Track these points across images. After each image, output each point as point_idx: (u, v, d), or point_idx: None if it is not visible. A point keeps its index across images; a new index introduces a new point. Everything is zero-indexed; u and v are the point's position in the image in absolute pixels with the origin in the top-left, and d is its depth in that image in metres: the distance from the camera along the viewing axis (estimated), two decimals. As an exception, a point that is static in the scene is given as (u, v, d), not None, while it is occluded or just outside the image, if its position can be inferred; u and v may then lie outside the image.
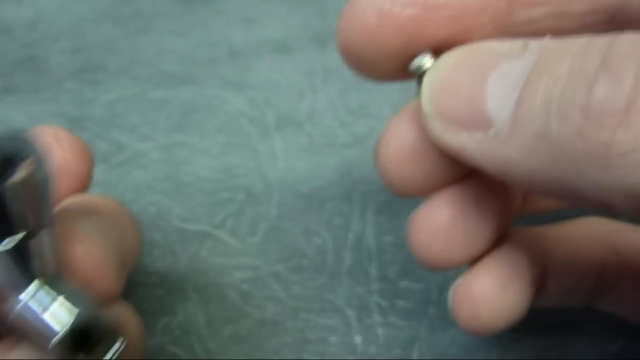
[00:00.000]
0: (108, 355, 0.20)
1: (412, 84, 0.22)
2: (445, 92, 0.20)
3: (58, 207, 0.22)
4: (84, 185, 0.24)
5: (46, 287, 0.19)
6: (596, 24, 0.20)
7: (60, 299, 0.19)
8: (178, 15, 0.52)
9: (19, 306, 0.19)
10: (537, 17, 0.20)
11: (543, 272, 0.25)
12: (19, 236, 0.19)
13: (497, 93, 0.18)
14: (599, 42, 0.16)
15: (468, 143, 0.19)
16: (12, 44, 0.49)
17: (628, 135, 0.15)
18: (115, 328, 0.20)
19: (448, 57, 0.20)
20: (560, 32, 0.20)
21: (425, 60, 0.21)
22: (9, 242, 0.19)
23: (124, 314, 0.23)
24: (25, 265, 0.19)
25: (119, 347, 0.20)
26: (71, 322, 0.19)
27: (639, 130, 0.15)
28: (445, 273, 0.31)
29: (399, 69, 0.22)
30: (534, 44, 0.18)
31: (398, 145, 0.23)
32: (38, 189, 0.19)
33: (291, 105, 0.42)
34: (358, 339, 0.31)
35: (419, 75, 0.22)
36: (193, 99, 0.42)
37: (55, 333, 0.19)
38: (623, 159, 0.15)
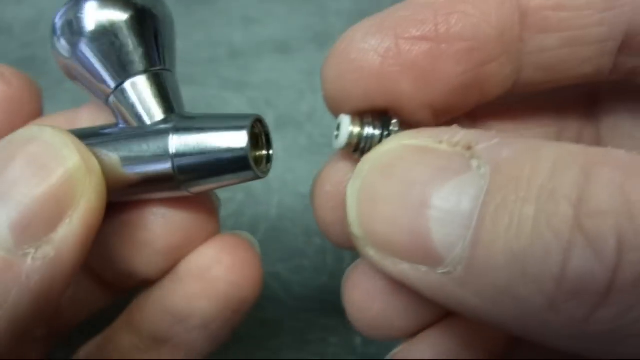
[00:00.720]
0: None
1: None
2: (378, 220, 0.16)
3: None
4: (37, 114, 0.25)
5: None
6: (611, 51, 0.19)
7: None
8: (178, 15, 0.52)
9: None
10: (551, 45, 0.18)
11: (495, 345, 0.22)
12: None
13: (444, 226, 0.15)
14: (570, 176, 0.14)
15: (411, 275, 0.16)
16: (12, 44, 0.49)
17: (609, 313, 0.13)
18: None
19: (374, 164, 0.17)
20: (573, 63, 0.19)
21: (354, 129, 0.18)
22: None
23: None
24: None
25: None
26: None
27: (620, 309, 0.13)
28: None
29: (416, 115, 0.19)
30: (482, 151, 0.15)
31: (330, 191, 0.20)
32: (159, 36, 0.21)
33: (291, 105, 0.42)
34: (358, 339, 0.31)
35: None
36: (193, 99, 0.42)
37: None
38: (600, 336, 0.14)
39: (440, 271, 0.15)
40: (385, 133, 0.18)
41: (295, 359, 0.31)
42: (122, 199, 0.21)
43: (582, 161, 0.14)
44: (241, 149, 0.19)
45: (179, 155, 0.19)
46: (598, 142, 0.22)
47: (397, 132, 0.18)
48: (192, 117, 0.20)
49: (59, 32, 0.20)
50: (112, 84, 0.20)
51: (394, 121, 0.18)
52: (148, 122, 0.20)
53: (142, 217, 0.22)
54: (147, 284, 0.23)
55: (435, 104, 0.18)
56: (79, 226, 0.18)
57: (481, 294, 0.15)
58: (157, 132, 0.20)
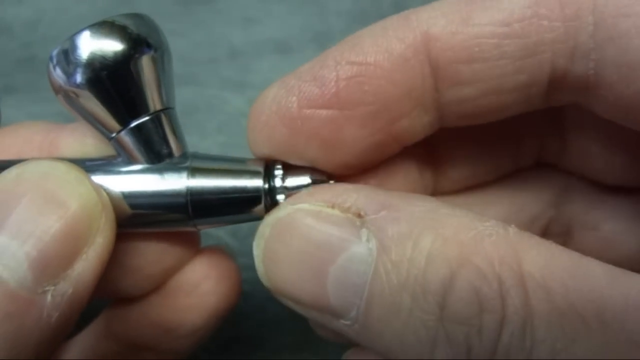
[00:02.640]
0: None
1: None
2: (282, 281, 0.18)
3: None
4: None
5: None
6: (538, 94, 0.18)
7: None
8: (178, 15, 0.52)
9: None
10: (469, 95, 0.18)
11: None
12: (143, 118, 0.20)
13: (340, 294, 0.17)
14: (439, 275, 0.16)
15: (319, 318, 0.18)
16: (12, 44, 0.49)
17: None
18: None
19: (273, 229, 0.18)
20: (497, 109, 0.19)
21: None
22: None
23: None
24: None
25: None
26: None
27: None
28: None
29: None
30: (370, 223, 0.17)
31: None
32: (160, 72, 0.20)
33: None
34: (358, 339, 0.31)
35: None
36: (193, 99, 0.42)
37: None
38: None
39: (342, 322, 0.17)
40: (273, 185, 0.20)
41: (295, 359, 0.31)
42: (124, 230, 0.21)
43: (452, 258, 0.15)
44: (257, 191, 0.20)
45: (195, 194, 0.20)
46: (564, 149, 0.23)
47: (280, 186, 0.20)
48: (206, 157, 0.21)
49: (55, 61, 0.19)
50: (116, 127, 0.20)
51: (277, 172, 0.20)
52: (157, 161, 0.20)
53: (132, 244, 0.22)
54: (127, 300, 0.24)
55: (348, 163, 0.19)
56: (94, 262, 0.18)
57: (374, 348, 0.17)
58: (173, 171, 0.20)
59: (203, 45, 0.47)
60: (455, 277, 0.15)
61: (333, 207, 0.17)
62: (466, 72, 0.18)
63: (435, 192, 0.24)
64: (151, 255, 0.22)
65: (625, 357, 0.14)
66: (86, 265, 0.18)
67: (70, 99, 0.19)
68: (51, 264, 0.17)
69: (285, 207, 0.18)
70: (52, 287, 0.17)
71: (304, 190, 0.19)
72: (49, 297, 0.17)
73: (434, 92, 0.18)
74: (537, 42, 0.17)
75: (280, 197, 0.20)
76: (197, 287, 0.23)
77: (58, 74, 0.19)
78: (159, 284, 0.23)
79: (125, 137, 0.20)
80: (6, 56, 0.47)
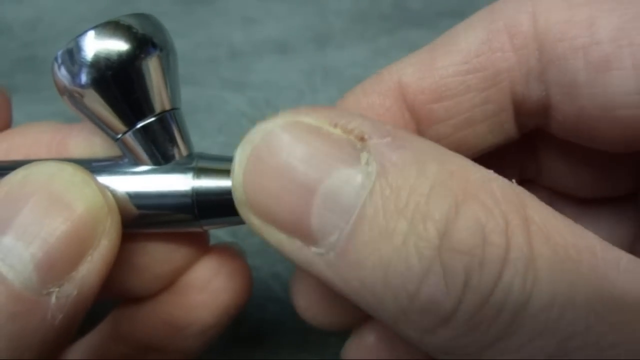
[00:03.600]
0: None
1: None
2: (261, 192, 0.16)
3: None
4: (5, 125, 0.25)
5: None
6: (507, 119, 0.20)
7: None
8: (178, 15, 0.52)
9: None
10: (447, 132, 0.20)
11: None
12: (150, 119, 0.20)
13: (324, 214, 0.15)
14: (443, 205, 0.15)
15: (287, 246, 0.17)
16: (12, 44, 0.49)
17: (446, 334, 0.15)
18: None
19: (267, 136, 0.16)
20: (475, 139, 0.20)
21: None
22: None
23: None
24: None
25: None
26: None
27: (455, 334, 0.15)
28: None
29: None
30: (373, 147, 0.16)
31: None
32: (165, 72, 0.20)
33: (291, 105, 0.42)
34: (358, 339, 0.31)
35: None
36: (193, 98, 0.42)
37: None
38: (436, 348, 0.15)
39: (313, 250, 0.16)
40: None
41: (295, 359, 0.31)
42: (129, 231, 0.21)
43: (458, 190, 0.15)
44: None
45: (200, 195, 0.20)
46: (539, 169, 0.24)
47: None
48: (211, 158, 0.21)
49: (59, 61, 0.19)
50: (122, 128, 0.20)
51: None
52: (163, 162, 0.20)
53: (140, 243, 0.22)
54: (136, 300, 0.24)
55: None
56: (99, 264, 0.18)
57: (346, 282, 0.16)
58: (178, 171, 0.20)
59: (203, 45, 0.47)
60: (460, 208, 0.15)
61: (335, 126, 0.16)
62: (439, 110, 0.20)
63: None
64: (160, 254, 0.22)
65: (616, 314, 0.14)
66: (91, 267, 0.18)
67: (75, 99, 0.19)
68: (56, 266, 0.17)
69: (285, 116, 0.17)
70: (57, 289, 0.17)
71: (305, 105, 0.18)
72: (53, 298, 0.17)
73: (417, 134, 0.20)
74: (495, 72, 0.19)
75: None
76: (209, 284, 0.23)
77: (63, 75, 0.19)
78: (168, 283, 0.23)
79: (131, 138, 0.20)
80: (6, 56, 0.47)
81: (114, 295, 0.23)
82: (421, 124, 0.20)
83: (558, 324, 0.14)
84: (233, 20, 0.50)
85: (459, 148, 0.20)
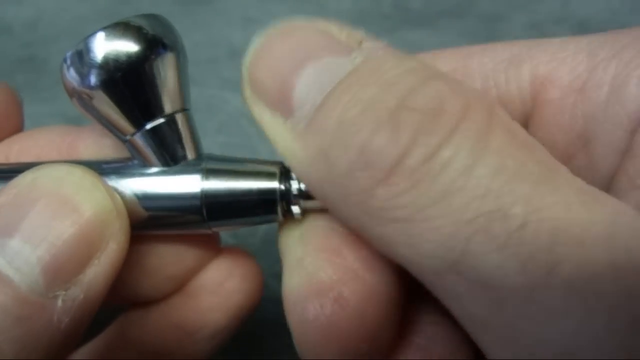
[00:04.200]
0: None
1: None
2: (260, 63, 0.18)
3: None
4: (18, 129, 0.25)
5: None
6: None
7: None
8: (178, 15, 0.52)
9: None
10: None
11: None
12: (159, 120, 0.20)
13: (305, 87, 0.17)
14: (411, 80, 0.16)
15: (269, 124, 0.18)
16: (12, 44, 0.49)
17: (385, 193, 0.15)
18: None
19: (282, 27, 0.19)
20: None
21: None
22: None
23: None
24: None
25: None
26: None
27: (394, 192, 0.15)
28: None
29: None
30: (365, 47, 0.17)
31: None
32: (175, 73, 0.20)
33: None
34: (358, 339, 0.31)
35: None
36: (193, 99, 0.42)
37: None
38: (374, 212, 0.15)
39: (288, 123, 0.17)
40: (288, 187, 0.20)
41: (295, 359, 0.31)
42: (138, 232, 0.21)
43: (431, 73, 0.16)
44: (272, 193, 0.20)
45: (209, 197, 0.20)
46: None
47: (296, 188, 0.20)
48: (220, 159, 0.21)
49: (69, 62, 0.19)
50: (130, 129, 0.20)
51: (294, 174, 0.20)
52: (172, 163, 0.20)
53: (151, 245, 0.22)
54: (147, 304, 0.23)
55: None
56: (106, 267, 0.18)
57: (306, 149, 0.17)
58: (187, 173, 0.20)
59: (203, 45, 0.47)
60: (427, 82, 0.16)
61: (341, 32, 0.18)
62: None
63: None
64: (170, 255, 0.22)
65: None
66: (98, 270, 0.18)
67: (84, 101, 0.19)
68: (63, 269, 0.17)
69: (297, 19, 0.19)
70: (64, 292, 0.17)
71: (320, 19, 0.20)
72: (59, 302, 0.17)
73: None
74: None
75: (294, 201, 0.20)
76: (221, 286, 0.23)
77: (72, 76, 0.19)
78: (180, 285, 0.23)
79: (140, 140, 0.20)
80: (6, 56, 0.47)
81: (124, 299, 0.23)
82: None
83: (501, 190, 0.14)
84: (233, 20, 0.50)
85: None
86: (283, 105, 0.17)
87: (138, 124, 0.19)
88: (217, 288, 0.23)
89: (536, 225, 0.14)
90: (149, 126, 0.19)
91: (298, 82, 0.17)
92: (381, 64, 0.16)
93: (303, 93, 0.17)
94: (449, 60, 0.21)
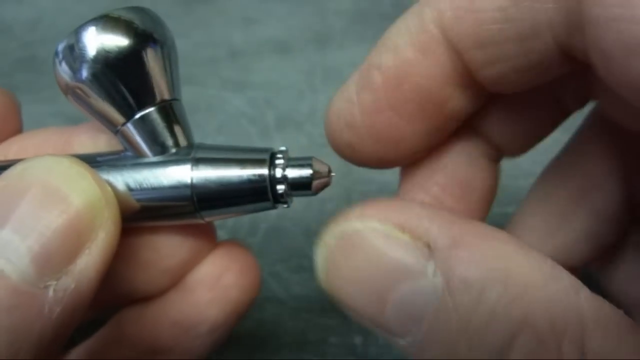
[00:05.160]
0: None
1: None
2: (342, 293, 0.18)
3: None
4: (16, 131, 0.25)
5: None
6: (557, 64, 0.18)
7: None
8: (178, 15, 0.52)
9: None
10: (491, 76, 0.19)
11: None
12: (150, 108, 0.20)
13: (399, 318, 0.17)
14: (500, 331, 0.15)
15: (377, 331, 0.18)
16: (12, 44, 0.49)
17: None
18: None
19: (339, 242, 0.18)
20: (522, 82, 0.19)
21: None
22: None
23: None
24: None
25: None
26: None
27: None
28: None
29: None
30: (438, 256, 0.16)
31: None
32: (165, 65, 0.20)
33: (291, 105, 0.42)
34: (358, 340, 0.31)
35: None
36: (193, 99, 0.42)
37: None
38: None
39: (400, 341, 0.17)
40: (273, 174, 0.20)
41: (295, 359, 0.31)
42: (131, 225, 0.21)
43: (516, 317, 0.15)
44: (262, 180, 0.20)
45: (199, 185, 0.20)
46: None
47: (281, 175, 0.20)
48: (210, 148, 0.21)
49: (60, 56, 0.19)
50: (121, 119, 0.20)
51: (278, 161, 0.20)
52: (163, 153, 0.20)
53: (145, 238, 0.22)
54: (144, 300, 0.23)
55: (411, 155, 0.21)
56: (97, 257, 0.18)
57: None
58: (177, 162, 0.20)
59: (203, 45, 0.47)
60: (515, 339, 0.15)
61: (403, 231, 0.17)
62: (482, 56, 0.18)
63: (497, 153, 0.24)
64: (166, 248, 0.22)
65: None
66: (89, 260, 0.18)
67: (76, 94, 0.20)
68: (53, 259, 0.17)
69: (353, 222, 0.18)
70: (54, 282, 0.17)
71: (371, 203, 0.19)
72: (50, 292, 0.17)
73: (466, 74, 0.19)
74: (534, 24, 0.17)
75: (280, 187, 0.20)
76: (219, 281, 0.23)
77: (64, 70, 0.19)
78: (176, 279, 0.23)
79: (130, 129, 0.20)
80: (6, 56, 0.47)
81: (120, 297, 0.23)
82: (467, 66, 0.19)
83: None
84: (233, 20, 0.50)
85: (508, 88, 0.19)
86: (384, 330, 0.17)
87: (128, 114, 0.20)
88: (214, 283, 0.23)
89: None
90: (138, 115, 0.20)
91: (387, 313, 0.17)
92: (464, 300, 0.16)
93: (397, 322, 0.17)
94: None
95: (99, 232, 0.18)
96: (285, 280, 0.33)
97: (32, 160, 0.18)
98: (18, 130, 0.25)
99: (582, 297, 0.15)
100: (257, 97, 0.43)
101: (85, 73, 0.19)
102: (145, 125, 0.20)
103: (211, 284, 0.23)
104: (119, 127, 0.20)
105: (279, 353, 0.31)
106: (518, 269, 0.16)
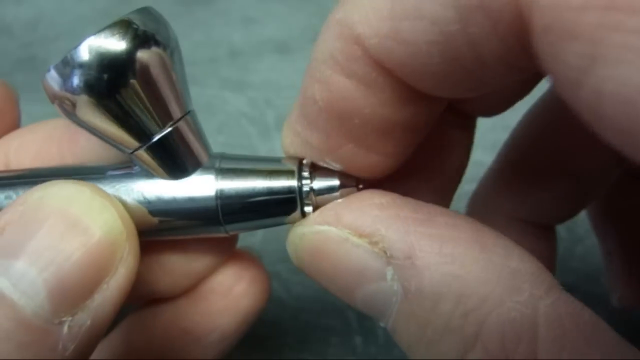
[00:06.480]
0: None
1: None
2: (319, 281, 0.18)
3: None
4: (14, 125, 0.24)
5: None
6: (506, 74, 0.15)
7: None
8: (178, 15, 0.52)
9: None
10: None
11: None
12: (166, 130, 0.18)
13: (368, 310, 0.17)
14: (454, 342, 0.15)
15: None
16: (12, 44, 0.49)
17: None
18: None
19: (302, 244, 0.18)
20: (476, 89, 0.17)
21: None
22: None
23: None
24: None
25: None
26: None
27: None
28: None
29: None
30: (395, 266, 0.16)
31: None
32: (172, 73, 0.18)
33: (291, 105, 0.42)
34: (358, 340, 0.31)
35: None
36: (193, 99, 0.42)
37: None
38: None
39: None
40: (300, 186, 0.19)
41: (295, 359, 0.31)
42: (153, 239, 0.20)
43: (469, 334, 0.15)
44: (291, 192, 0.19)
45: (224, 197, 0.19)
46: None
47: (308, 187, 0.19)
48: (235, 158, 0.20)
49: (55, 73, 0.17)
50: (133, 144, 0.18)
51: (305, 173, 0.19)
52: (183, 171, 0.19)
53: (169, 244, 0.22)
54: (159, 301, 0.23)
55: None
56: (115, 292, 0.17)
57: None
58: (200, 173, 0.19)
59: (203, 45, 0.47)
60: (467, 354, 0.15)
61: (360, 237, 0.17)
62: (421, 79, 0.16)
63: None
64: (184, 259, 0.22)
65: None
66: (107, 295, 0.17)
67: (79, 120, 0.18)
68: (70, 294, 0.16)
69: (311, 226, 0.18)
70: (70, 318, 0.16)
71: (330, 205, 0.18)
72: (65, 328, 0.16)
73: (411, 91, 0.17)
74: (474, 54, 0.15)
75: (307, 200, 0.19)
76: (231, 290, 0.23)
77: (54, 80, 0.17)
78: (191, 287, 0.23)
79: (146, 154, 0.18)
80: (6, 56, 0.47)
81: (136, 297, 0.22)
82: (411, 86, 0.17)
83: None
84: (233, 20, 0.50)
85: (458, 96, 0.17)
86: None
87: (141, 137, 0.18)
88: (227, 292, 0.23)
89: None
90: (154, 139, 0.18)
91: (359, 304, 0.18)
92: (419, 310, 0.16)
93: (370, 312, 0.17)
94: None
95: (119, 267, 0.17)
96: (285, 280, 0.33)
97: (52, 186, 0.17)
98: (16, 124, 0.24)
99: (540, 310, 0.15)
100: (257, 97, 0.43)
101: (90, 90, 0.17)
102: (162, 149, 0.18)
103: (224, 292, 0.23)
104: (132, 151, 0.18)
105: (280, 353, 0.31)
106: (475, 281, 0.15)
